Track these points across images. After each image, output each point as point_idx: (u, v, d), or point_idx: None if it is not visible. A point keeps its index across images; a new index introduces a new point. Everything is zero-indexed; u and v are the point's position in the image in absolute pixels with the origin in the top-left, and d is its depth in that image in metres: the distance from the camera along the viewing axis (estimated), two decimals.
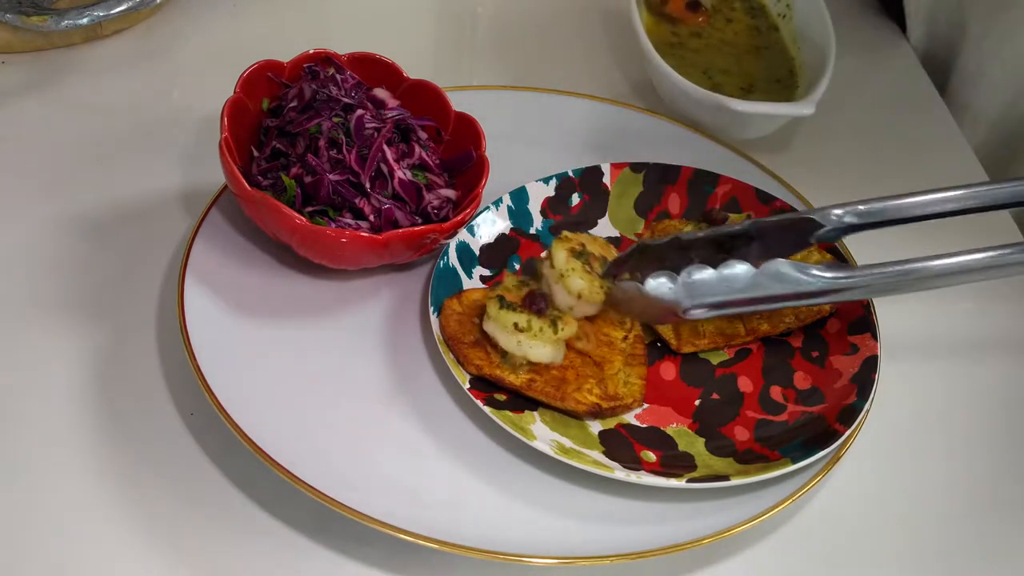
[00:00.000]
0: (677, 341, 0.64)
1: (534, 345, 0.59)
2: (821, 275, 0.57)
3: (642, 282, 0.58)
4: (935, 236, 0.66)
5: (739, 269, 0.57)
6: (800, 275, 0.56)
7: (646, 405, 0.62)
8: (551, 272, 0.62)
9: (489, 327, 0.60)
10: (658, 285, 0.58)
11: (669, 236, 0.62)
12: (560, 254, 0.62)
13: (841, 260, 0.68)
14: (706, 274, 0.57)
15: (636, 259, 0.62)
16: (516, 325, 0.59)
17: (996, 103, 0.88)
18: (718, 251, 0.62)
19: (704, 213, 0.68)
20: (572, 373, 0.61)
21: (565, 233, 0.64)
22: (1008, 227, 0.78)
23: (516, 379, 0.59)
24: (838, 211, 0.60)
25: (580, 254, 0.63)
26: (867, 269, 0.57)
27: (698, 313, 0.58)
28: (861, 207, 0.60)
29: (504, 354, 0.60)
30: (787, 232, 0.61)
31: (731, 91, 0.79)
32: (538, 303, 0.60)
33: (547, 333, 0.59)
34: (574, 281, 0.62)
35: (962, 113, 0.89)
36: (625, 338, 0.64)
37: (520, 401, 0.60)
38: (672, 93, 0.78)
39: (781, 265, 0.57)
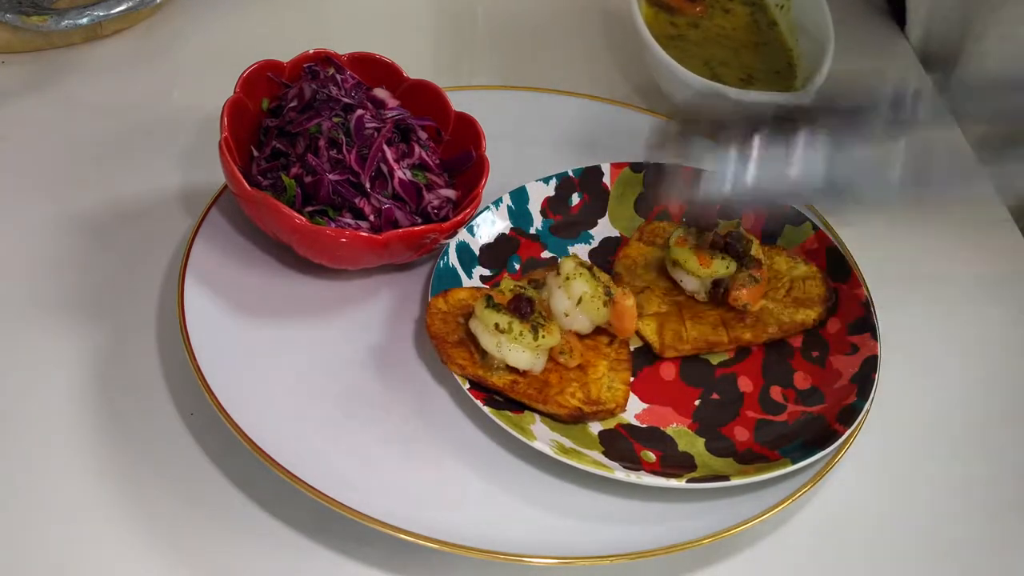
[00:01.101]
0: (660, 346, 0.64)
1: (513, 348, 0.59)
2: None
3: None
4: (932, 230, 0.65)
5: (813, 139, 0.54)
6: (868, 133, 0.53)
7: (645, 405, 0.62)
8: (556, 279, 0.62)
9: (473, 325, 0.60)
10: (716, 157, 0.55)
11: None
12: (569, 263, 0.62)
13: (841, 263, 0.68)
14: (775, 145, 0.54)
15: (703, 127, 0.60)
16: (497, 326, 0.59)
17: (993, 101, 0.88)
18: (783, 124, 0.58)
19: (695, 220, 0.68)
20: (555, 376, 0.61)
21: (575, 254, 0.65)
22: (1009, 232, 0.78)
23: (499, 380, 0.59)
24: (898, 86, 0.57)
25: (588, 268, 0.63)
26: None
27: (735, 197, 0.57)
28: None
29: (484, 354, 0.60)
30: (853, 113, 0.58)
31: (731, 82, 0.78)
32: (523, 307, 0.59)
33: (527, 338, 0.59)
34: (578, 284, 0.62)
35: (960, 111, 0.89)
36: (611, 343, 0.64)
37: (518, 401, 0.60)
38: (672, 84, 0.78)
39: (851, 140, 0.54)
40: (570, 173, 0.72)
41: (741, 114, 0.60)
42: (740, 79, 0.80)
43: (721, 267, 0.65)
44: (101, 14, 0.78)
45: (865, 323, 0.64)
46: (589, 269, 0.63)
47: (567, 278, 0.62)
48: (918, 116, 0.56)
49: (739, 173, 0.56)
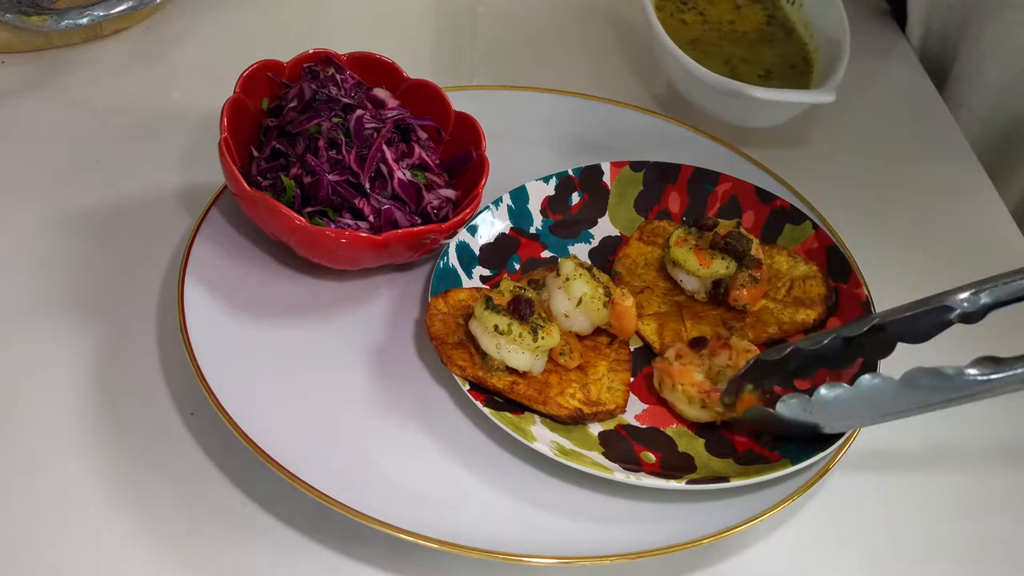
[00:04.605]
0: (660, 346, 0.64)
1: (512, 350, 0.59)
2: (973, 375, 0.52)
3: (772, 405, 0.57)
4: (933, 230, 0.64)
5: (877, 383, 0.54)
6: (949, 380, 0.52)
7: (645, 406, 0.62)
8: (555, 280, 0.62)
9: (473, 326, 0.60)
10: (792, 407, 0.56)
11: (789, 348, 0.59)
12: (568, 264, 0.62)
13: (841, 262, 0.68)
14: (840, 391, 0.55)
15: (754, 374, 0.60)
16: (497, 327, 0.59)
17: (990, 101, 0.88)
18: (846, 347, 0.59)
19: (695, 220, 0.68)
20: (555, 377, 0.60)
21: (575, 255, 0.65)
22: None
23: (499, 381, 0.59)
24: (964, 294, 0.57)
25: (588, 268, 0.63)
26: (1019, 363, 0.52)
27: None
28: (992, 286, 0.56)
29: (484, 356, 0.60)
30: (919, 321, 0.58)
31: (750, 79, 0.78)
32: (522, 309, 0.59)
33: (526, 340, 0.59)
34: (578, 285, 0.62)
35: (957, 111, 0.89)
36: (611, 343, 0.64)
37: (518, 402, 0.60)
38: (687, 82, 0.77)
39: (922, 375, 0.53)
40: (570, 172, 0.72)
41: (801, 356, 0.59)
42: (759, 75, 0.79)
43: (721, 267, 0.65)
44: (101, 14, 0.78)
45: None
46: (589, 270, 0.63)
47: (567, 279, 0.62)
48: None
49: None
